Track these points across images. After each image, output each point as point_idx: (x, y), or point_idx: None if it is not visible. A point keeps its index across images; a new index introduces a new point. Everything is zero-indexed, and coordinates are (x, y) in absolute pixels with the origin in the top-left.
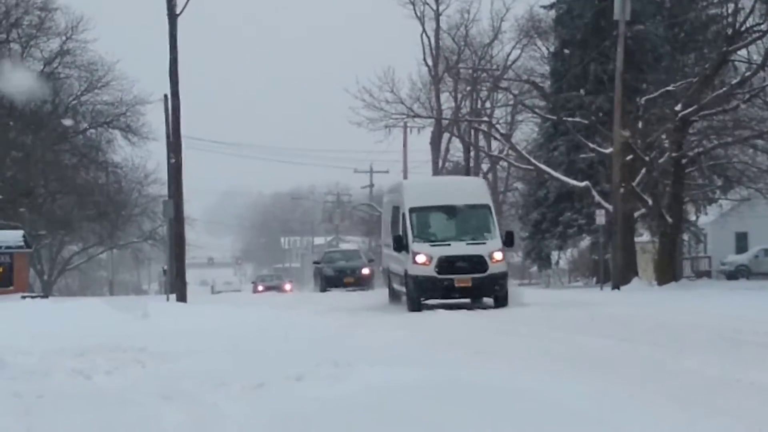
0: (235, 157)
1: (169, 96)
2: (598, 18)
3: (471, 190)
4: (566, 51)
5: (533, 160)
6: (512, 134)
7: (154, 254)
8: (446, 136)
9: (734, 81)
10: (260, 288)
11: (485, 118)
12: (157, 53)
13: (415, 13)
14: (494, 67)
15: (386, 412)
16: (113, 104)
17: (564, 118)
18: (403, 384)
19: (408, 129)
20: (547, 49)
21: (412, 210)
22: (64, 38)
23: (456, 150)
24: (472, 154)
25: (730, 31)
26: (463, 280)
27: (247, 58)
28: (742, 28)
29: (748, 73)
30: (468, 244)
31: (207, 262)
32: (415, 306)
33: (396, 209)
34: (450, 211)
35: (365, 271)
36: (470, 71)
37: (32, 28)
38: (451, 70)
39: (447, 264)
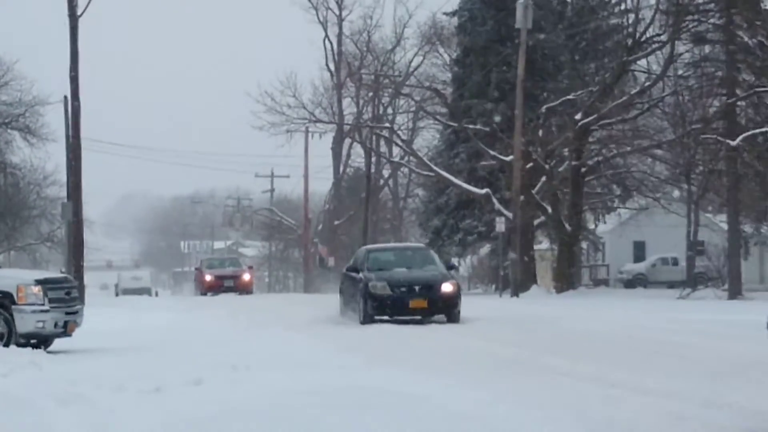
0: (134, 160)
1: (69, 97)
2: (500, 26)
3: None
4: (468, 58)
5: (434, 167)
6: (413, 141)
7: (52, 257)
8: (348, 141)
9: (634, 91)
10: (208, 278)
11: (387, 124)
12: (57, 53)
13: (318, 18)
14: (396, 73)
15: (282, 417)
16: (12, 105)
17: (465, 126)
18: (298, 388)
19: (310, 134)
20: (449, 56)
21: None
22: None
23: (357, 156)
24: (373, 160)
25: (630, 42)
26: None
27: (148, 60)
28: (642, 39)
29: (647, 83)
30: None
31: (105, 265)
32: None
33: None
34: None
35: (447, 288)
36: (372, 77)
37: None
38: (354, 75)
39: None
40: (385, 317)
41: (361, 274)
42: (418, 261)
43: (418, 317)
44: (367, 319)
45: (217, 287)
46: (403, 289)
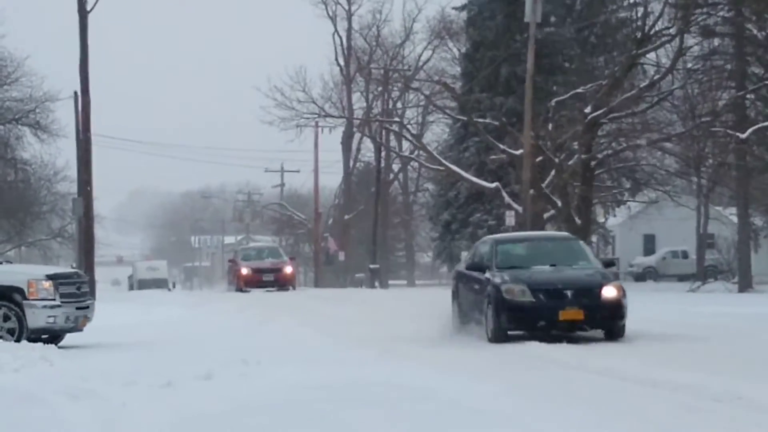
0: (145, 155)
1: (79, 93)
2: (509, 20)
3: None
4: (477, 52)
5: (444, 161)
6: (423, 135)
7: (63, 252)
8: (357, 136)
9: (643, 84)
10: (245, 271)
11: (396, 119)
12: (67, 49)
13: (327, 12)
14: (406, 67)
15: (293, 410)
16: (22, 101)
17: (475, 119)
18: (309, 383)
19: (319, 129)
20: (459, 50)
21: None
22: None
23: (367, 150)
24: (383, 154)
25: (639, 35)
26: None
27: (158, 56)
28: (651, 32)
29: (656, 77)
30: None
31: (116, 261)
32: None
33: None
34: None
35: (610, 293)
36: (382, 71)
37: None
38: (363, 70)
39: None
40: (522, 332)
41: (488, 274)
42: (565, 255)
43: (571, 332)
44: (500, 336)
45: (255, 282)
46: (550, 294)
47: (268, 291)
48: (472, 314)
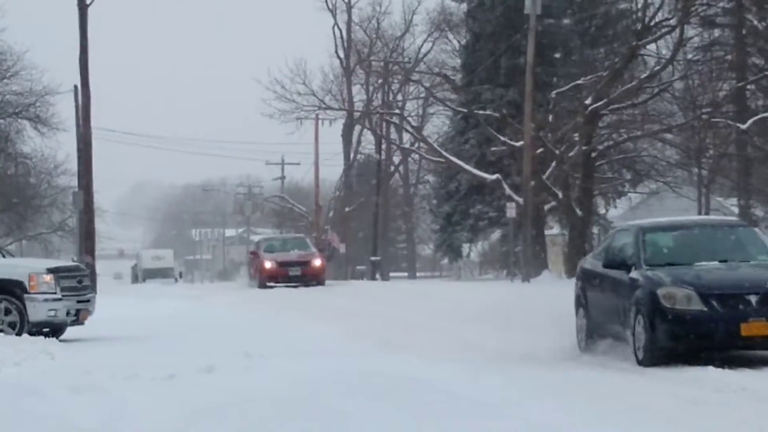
0: (146, 149)
1: (79, 86)
2: (509, 11)
3: None
4: (477, 44)
5: (444, 153)
6: (423, 127)
7: (63, 246)
8: (358, 128)
9: (643, 75)
10: (268, 265)
11: (397, 111)
12: (67, 43)
13: (327, 5)
14: (406, 59)
15: (295, 402)
16: (22, 94)
17: (475, 111)
18: (312, 375)
19: (320, 121)
20: (459, 42)
21: None
22: None
23: (368, 142)
24: (383, 146)
25: (639, 26)
26: None
27: (159, 49)
28: (652, 23)
29: (657, 68)
30: None
31: (117, 254)
32: None
33: None
34: None
35: None
36: (382, 64)
37: None
38: (363, 62)
39: None
40: (681, 351)
41: (634, 273)
42: (736, 247)
43: (753, 350)
44: (656, 357)
45: (281, 276)
46: (727, 300)
47: (292, 287)
48: (610, 325)
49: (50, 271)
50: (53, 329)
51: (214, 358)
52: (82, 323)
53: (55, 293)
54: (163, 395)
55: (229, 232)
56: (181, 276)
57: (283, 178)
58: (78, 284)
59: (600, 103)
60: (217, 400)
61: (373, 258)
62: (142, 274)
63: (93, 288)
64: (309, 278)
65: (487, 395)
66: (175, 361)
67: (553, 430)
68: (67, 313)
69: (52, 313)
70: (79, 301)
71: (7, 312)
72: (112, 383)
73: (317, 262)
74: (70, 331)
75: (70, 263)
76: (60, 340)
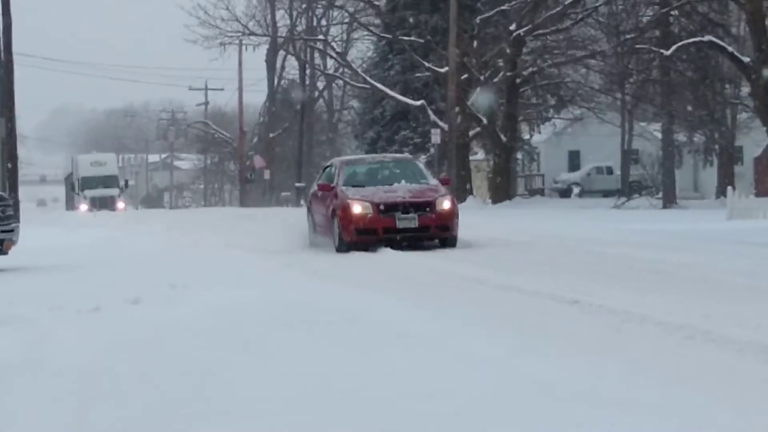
0: (67, 74)
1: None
2: None
3: None
4: None
5: (369, 79)
6: (348, 53)
7: None
8: (282, 54)
9: (568, 1)
10: (357, 210)
11: (321, 36)
12: None
13: None
14: None
15: (221, 334)
16: None
17: (399, 37)
18: (237, 304)
19: (243, 47)
20: None
21: None
22: None
23: (292, 68)
24: (307, 72)
25: None
26: None
27: None
28: None
29: None
30: None
31: (39, 180)
32: None
33: None
34: None
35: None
36: None
37: None
38: None
39: None
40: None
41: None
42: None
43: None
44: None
45: (386, 228)
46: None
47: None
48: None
49: None
50: None
51: (139, 290)
52: (5, 253)
53: None
54: (88, 327)
55: (153, 158)
56: (126, 185)
57: (206, 103)
58: (1, 213)
59: (524, 29)
60: (143, 332)
61: (297, 184)
62: (79, 184)
63: (16, 217)
64: (434, 230)
65: None
66: (101, 292)
67: None
68: None
69: None
70: (2, 231)
71: None
72: (37, 314)
73: (446, 204)
74: None
75: None
76: None
